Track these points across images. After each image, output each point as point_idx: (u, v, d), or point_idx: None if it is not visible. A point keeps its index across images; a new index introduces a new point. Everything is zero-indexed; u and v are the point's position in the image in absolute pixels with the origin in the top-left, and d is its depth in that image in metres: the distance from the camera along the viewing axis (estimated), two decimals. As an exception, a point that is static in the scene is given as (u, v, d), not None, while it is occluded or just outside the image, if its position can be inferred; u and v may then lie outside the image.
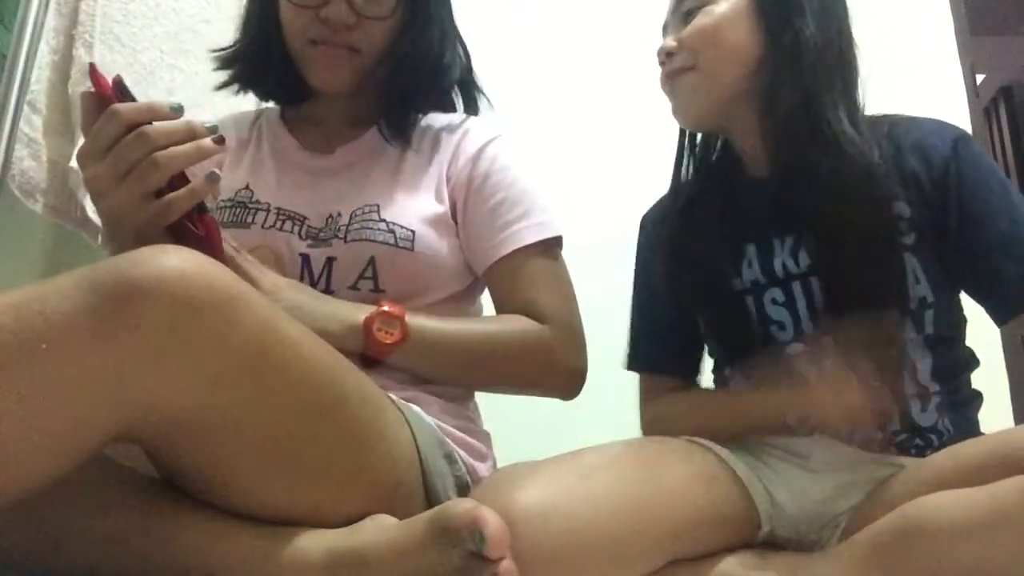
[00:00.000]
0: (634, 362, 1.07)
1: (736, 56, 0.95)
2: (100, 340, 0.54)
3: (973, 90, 1.90)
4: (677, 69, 0.96)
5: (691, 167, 1.04)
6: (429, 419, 0.87)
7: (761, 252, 0.94)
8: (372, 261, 0.93)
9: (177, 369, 0.58)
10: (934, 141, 0.91)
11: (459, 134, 1.06)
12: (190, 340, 0.58)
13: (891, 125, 0.93)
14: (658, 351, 1.06)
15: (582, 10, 2.01)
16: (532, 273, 1.00)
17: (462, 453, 0.89)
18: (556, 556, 0.65)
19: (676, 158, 1.06)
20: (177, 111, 0.74)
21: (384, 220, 0.95)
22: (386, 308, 0.88)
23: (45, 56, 1.23)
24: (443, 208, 1.00)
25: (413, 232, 0.96)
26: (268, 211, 0.98)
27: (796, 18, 0.93)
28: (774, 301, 0.93)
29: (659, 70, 0.99)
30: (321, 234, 0.96)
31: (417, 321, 0.90)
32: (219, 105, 1.51)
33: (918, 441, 0.86)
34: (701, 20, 0.95)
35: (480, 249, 1.00)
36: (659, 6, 1.02)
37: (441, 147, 1.05)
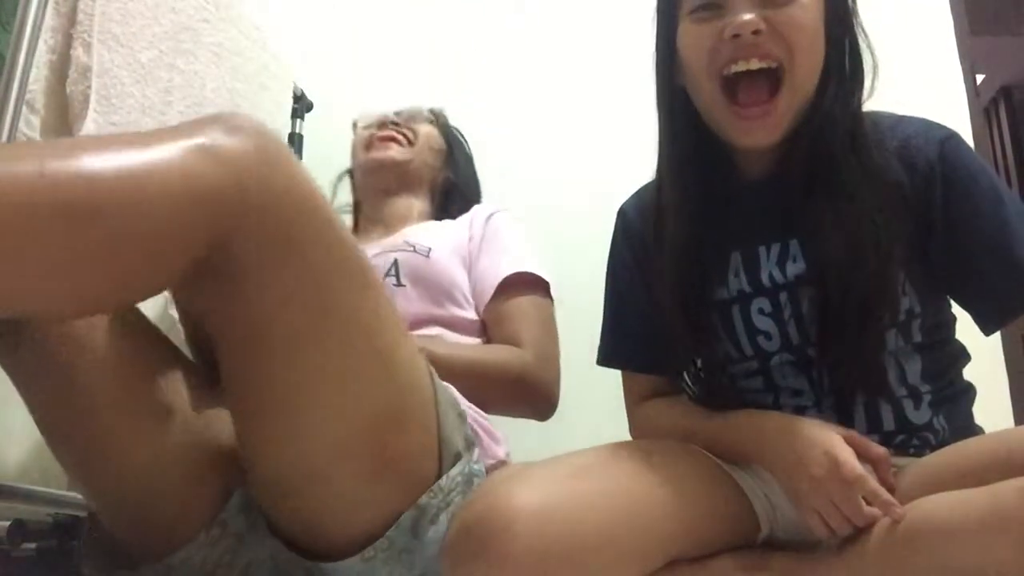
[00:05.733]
0: (604, 357, 1.02)
1: (818, 66, 0.86)
2: (195, 166, 0.60)
3: (973, 90, 1.89)
4: (762, 54, 0.83)
5: (678, 162, 0.93)
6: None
7: (747, 261, 0.90)
8: (395, 262, 1.16)
9: (257, 195, 0.63)
10: (918, 143, 0.86)
11: (473, 209, 1.35)
12: (269, 175, 0.64)
13: (874, 124, 0.88)
14: (630, 346, 1.00)
15: (576, 8, 2.01)
16: (518, 309, 1.17)
17: (477, 428, 0.95)
18: (554, 557, 0.64)
19: (660, 149, 0.95)
20: None
21: (407, 242, 1.20)
22: None
23: (43, 56, 1.22)
24: (461, 243, 1.24)
25: (430, 248, 1.19)
26: None
27: (852, 30, 0.87)
28: (760, 311, 0.89)
29: (716, 50, 0.84)
30: None
31: None
32: (218, 105, 1.50)
33: (915, 441, 0.86)
34: (798, 12, 0.83)
35: (482, 284, 1.20)
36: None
37: (464, 217, 1.33)
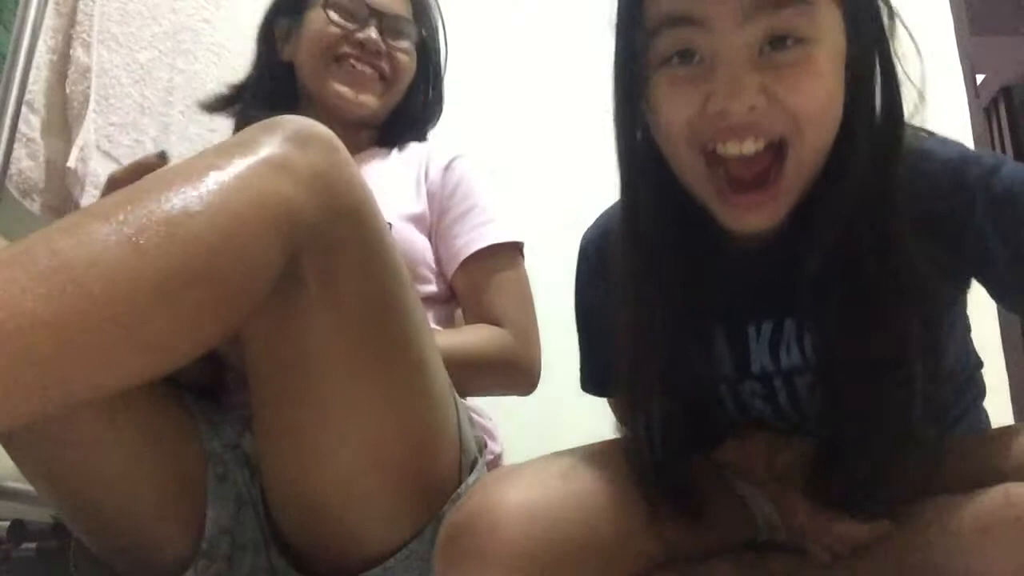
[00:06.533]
0: (585, 386, 0.95)
1: (834, 127, 0.65)
2: (275, 188, 0.59)
3: (973, 90, 1.90)
4: (760, 132, 0.63)
5: (645, 223, 0.73)
6: None
7: (733, 345, 0.76)
8: None
9: (328, 208, 0.63)
10: (943, 208, 0.67)
11: (426, 147, 1.19)
12: (338, 184, 0.64)
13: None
14: (610, 376, 0.88)
15: (576, 8, 2.01)
16: (494, 278, 1.09)
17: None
18: (542, 557, 0.64)
19: (627, 191, 0.74)
20: (161, 157, 0.80)
21: None
22: None
23: (43, 56, 1.23)
24: (421, 208, 1.10)
25: (390, 225, 1.05)
26: None
27: (888, 59, 0.67)
28: (753, 393, 0.78)
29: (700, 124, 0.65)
30: None
31: None
32: (217, 105, 1.50)
33: None
34: (809, 73, 0.63)
35: (451, 249, 1.10)
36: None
37: (415, 156, 1.17)
